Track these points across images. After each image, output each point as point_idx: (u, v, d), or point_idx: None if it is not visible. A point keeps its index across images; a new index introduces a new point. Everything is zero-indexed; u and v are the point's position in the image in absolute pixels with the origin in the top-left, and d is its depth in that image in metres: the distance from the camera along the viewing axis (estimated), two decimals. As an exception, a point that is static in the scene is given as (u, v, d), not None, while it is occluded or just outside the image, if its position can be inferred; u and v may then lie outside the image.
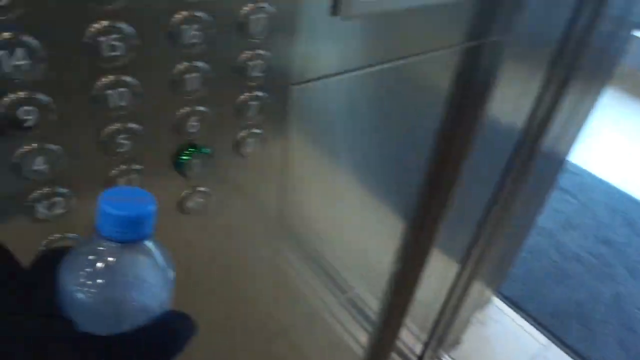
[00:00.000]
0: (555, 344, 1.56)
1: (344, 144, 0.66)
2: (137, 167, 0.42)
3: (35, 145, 0.35)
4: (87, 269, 0.25)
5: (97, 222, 0.25)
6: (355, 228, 0.81)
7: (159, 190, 0.45)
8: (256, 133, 0.49)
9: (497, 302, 1.67)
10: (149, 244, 0.27)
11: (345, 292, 0.89)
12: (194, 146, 0.45)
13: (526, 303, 1.67)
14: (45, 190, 0.38)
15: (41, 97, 0.34)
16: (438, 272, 1.09)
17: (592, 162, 2.48)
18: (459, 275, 1.21)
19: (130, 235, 0.25)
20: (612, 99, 3.14)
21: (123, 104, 0.38)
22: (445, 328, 1.37)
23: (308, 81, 0.52)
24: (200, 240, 0.53)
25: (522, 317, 1.63)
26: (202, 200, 0.49)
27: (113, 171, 0.41)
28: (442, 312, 1.29)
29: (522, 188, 1.13)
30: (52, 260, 0.27)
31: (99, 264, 0.25)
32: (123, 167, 0.41)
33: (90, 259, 0.25)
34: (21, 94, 0.33)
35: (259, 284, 0.66)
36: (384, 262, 0.95)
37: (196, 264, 0.55)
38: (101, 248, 0.25)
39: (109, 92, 0.37)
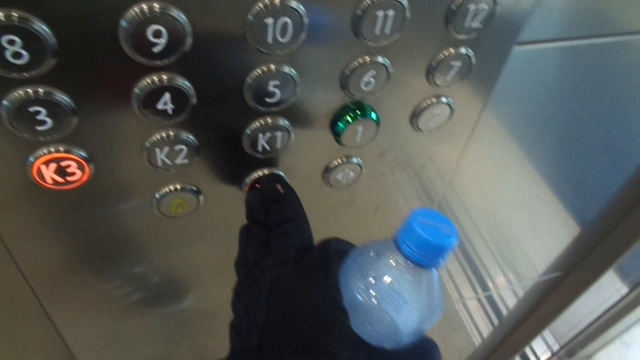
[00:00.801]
0: None
1: (539, 126, 0.49)
2: (285, 122, 0.32)
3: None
4: (373, 275, 0.26)
5: (398, 235, 0.25)
6: (518, 221, 0.66)
7: (305, 149, 0.35)
8: (445, 103, 0.36)
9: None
10: (435, 273, 0.26)
11: (487, 290, 0.76)
12: (362, 108, 0.33)
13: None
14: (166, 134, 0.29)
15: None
16: (602, 292, 0.90)
17: None
18: (622, 298, 1.00)
19: (427, 260, 0.25)
20: None
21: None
22: (582, 343, 1.18)
23: (535, 42, 0.36)
24: (341, 214, 0.43)
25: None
26: (352, 174, 0.38)
27: (254, 124, 0.31)
28: (586, 329, 1.10)
29: None
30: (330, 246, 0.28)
31: (387, 277, 0.26)
32: (268, 120, 0.31)
33: (380, 268, 0.26)
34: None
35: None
36: (539, 264, 0.79)
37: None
38: (394, 262, 0.26)
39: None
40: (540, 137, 0.50)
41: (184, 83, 0.27)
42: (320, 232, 0.41)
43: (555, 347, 1.12)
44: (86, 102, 0.26)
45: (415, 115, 0.36)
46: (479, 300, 0.80)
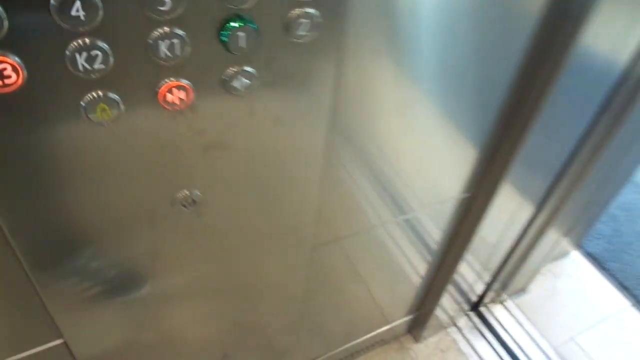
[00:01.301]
0: (637, 308, 1.44)
1: (415, 46, 0.60)
2: (180, 32, 0.41)
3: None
4: None
5: None
6: (421, 145, 0.77)
7: (203, 63, 0.44)
8: (310, 14, 0.46)
9: (577, 256, 1.55)
10: None
11: (405, 214, 0.86)
12: (240, 17, 0.43)
13: (609, 262, 1.54)
14: (82, 41, 0.38)
15: None
16: (509, 212, 1.02)
17: None
18: (532, 220, 1.13)
19: None
20: None
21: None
22: (510, 273, 1.31)
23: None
24: (245, 124, 0.52)
25: (603, 275, 1.51)
26: (247, 81, 0.47)
27: (155, 32, 0.40)
28: (508, 256, 1.22)
29: (615, 135, 1.00)
30: None
31: None
32: (166, 29, 0.40)
33: None
34: None
35: (305, 180, 0.64)
36: (451, 190, 0.90)
37: (241, 149, 0.54)
38: None
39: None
40: (421, 63, 0.61)
41: (89, -8, 0.35)
42: (228, 142, 0.50)
43: (486, 278, 1.24)
44: (15, 13, 0.34)
45: (288, 26, 0.45)
46: (402, 228, 0.90)
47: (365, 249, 0.89)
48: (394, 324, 1.21)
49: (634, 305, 1.45)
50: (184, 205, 0.56)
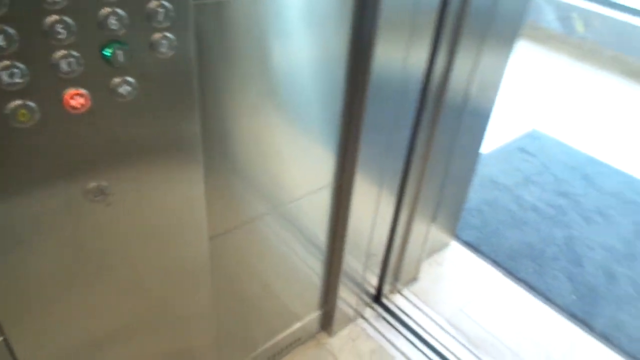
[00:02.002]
0: (509, 279, 1.71)
1: (262, 65, 0.84)
2: (75, 53, 0.60)
3: (-3, 26, 0.53)
4: None
5: None
6: (284, 144, 0.99)
7: (94, 76, 0.63)
8: (168, 37, 0.67)
9: (455, 245, 1.82)
10: None
11: (284, 204, 1.06)
12: (116, 40, 0.63)
13: (483, 246, 1.83)
14: (6, 63, 0.56)
15: (-1, -10, 0.52)
16: (373, 203, 1.25)
17: (552, 128, 2.64)
18: (397, 212, 1.37)
19: None
20: (564, 66, 3.29)
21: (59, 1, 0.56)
22: (397, 264, 1.53)
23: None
24: (133, 121, 0.71)
25: (479, 257, 1.78)
26: (130, 88, 0.67)
27: (56, 53, 0.59)
28: (389, 248, 1.45)
29: (441, 137, 1.30)
30: None
31: None
32: (64, 52, 0.59)
33: None
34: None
35: (190, 175, 0.83)
36: (318, 180, 1.12)
37: (127, 140, 0.72)
38: None
39: (46, -9, 0.55)
40: (265, 74, 0.84)
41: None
42: (122, 136, 0.68)
43: (377, 271, 1.45)
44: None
45: (153, 46, 0.66)
46: (282, 215, 1.10)
47: (260, 243, 1.07)
48: (305, 320, 1.37)
49: (504, 275, 1.72)
50: (94, 196, 0.72)
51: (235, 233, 1.00)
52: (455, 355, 1.44)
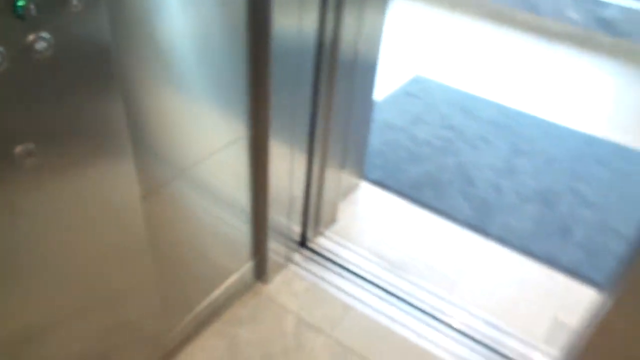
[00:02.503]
0: (415, 206, 1.90)
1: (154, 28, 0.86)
2: (-15, 9, 0.60)
3: None
4: None
5: None
6: (194, 108, 1.02)
7: (8, 33, 0.63)
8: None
9: (365, 185, 1.98)
10: None
11: (205, 159, 1.11)
12: (25, -5, 0.63)
13: (389, 182, 2.00)
14: None
15: None
16: (289, 159, 1.33)
17: (432, 72, 2.89)
18: (310, 163, 1.47)
19: None
20: (438, 17, 3.59)
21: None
22: (316, 210, 1.64)
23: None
24: (52, 81, 0.71)
25: (387, 192, 1.95)
26: (45, 44, 0.68)
27: (-33, 11, 0.59)
28: (307, 197, 1.55)
29: (339, 92, 1.41)
30: None
31: None
32: (-26, 9, 0.59)
33: None
34: None
35: (117, 141, 0.85)
36: (233, 131, 1.17)
37: (48, 100, 0.73)
38: None
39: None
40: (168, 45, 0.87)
41: None
42: (42, 96, 0.68)
43: (298, 218, 1.55)
44: None
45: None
46: (207, 168, 1.14)
47: (186, 203, 1.11)
48: (239, 273, 1.43)
49: (411, 203, 1.91)
50: (21, 159, 0.72)
51: (161, 193, 1.03)
52: (380, 278, 1.60)
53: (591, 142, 2.41)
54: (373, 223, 1.81)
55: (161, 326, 1.23)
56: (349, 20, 1.30)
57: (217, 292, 1.38)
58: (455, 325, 1.49)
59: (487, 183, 2.06)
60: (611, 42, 3.28)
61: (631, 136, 2.44)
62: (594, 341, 1.14)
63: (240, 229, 1.36)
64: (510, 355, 1.42)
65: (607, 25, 3.26)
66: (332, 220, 1.78)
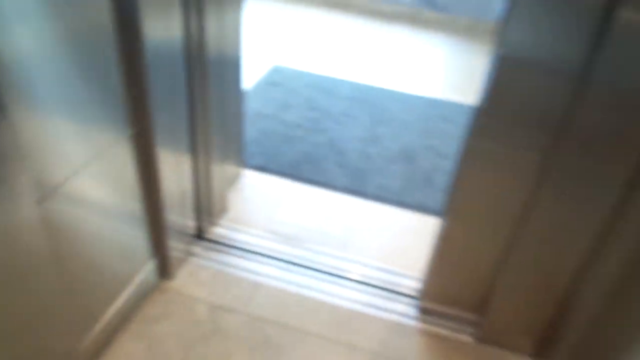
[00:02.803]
0: (298, 182, 2.03)
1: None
2: None
3: None
4: None
5: None
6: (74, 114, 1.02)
7: None
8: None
9: (249, 173, 2.06)
10: None
11: (93, 158, 1.10)
12: None
13: (270, 166, 2.10)
14: None
15: None
16: (175, 160, 1.37)
17: (289, 61, 3.05)
18: (195, 160, 1.51)
19: None
20: (292, 12, 3.78)
21: None
22: (207, 202, 1.68)
23: None
24: None
25: (270, 175, 2.06)
26: None
27: None
28: (197, 191, 1.59)
29: (212, 88, 1.47)
30: None
31: None
32: None
33: None
34: None
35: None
36: (117, 130, 1.18)
37: None
38: None
39: None
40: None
41: None
42: None
43: (192, 214, 1.58)
44: None
45: None
46: (98, 170, 1.14)
47: (81, 205, 1.10)
48: (143, 274, 1.43)
49: (293, 181, 2.04)
50: None
51: (59, 196, 1.01)
52: (280, 252, 1.70)
53: (435, 104, 2.75)
54: (262, 205, 1.90)
55: (71, 342, 1.20)
56: (211, 21, 1.37)
57: (123, 297, 1.37)
58: (354, 278, 1.65)
59: (357, 152, 2.27)
60: (437, 17, 3.74)
61: (463, 95, 2.84)
62: (441, 250, 1.40)
63: (136, 230, 1.36)
64: (406, 292, 1.62)
65: (432, 3, 3.70)
66: (224, 209, 1.83)
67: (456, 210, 1.32)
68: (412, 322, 1.53)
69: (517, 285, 1.36)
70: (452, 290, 1.49)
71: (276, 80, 2.80)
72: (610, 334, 1.16)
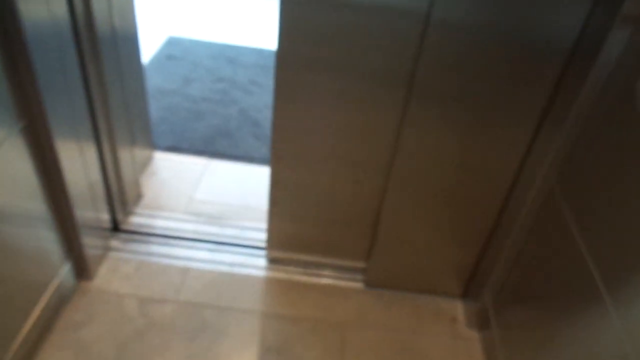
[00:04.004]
0: (214, 159, 1.96)
1: None
2: None
3: None
4: None
5: None
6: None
7: None
8: None
9: (158, 154, 1.94)
10: None
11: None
12: None
13: (181, 144, 2.00)
14: None
15: None
16: (77, 150, 1.24)
17: (185, 31, 2.88)
18: (100, 148, 1.39)
19: None
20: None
21: None
22: (119, 192, 1.57)
23: None
24: None
25: (183, 155, 1.96)
26: None
27: None
28: (107, 182, 1.47)
29: (108, 66, 1.34)
30: None
31: None
32: None
33: None
34: None
35: None
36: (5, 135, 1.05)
37: None
38: None
39: None
40: None
41: None
42: None
43: (104, 207, 1.47)
44: None
45: None
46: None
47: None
48: (58, 277, 1.32)
49: (209, 158, 1.96)
50: None
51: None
52: (202, 233, 1.64)
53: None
54: (179, 187, 1.81)
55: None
56: None
57: (40, 306, 1.25)
58: (284, 248, 1.64)
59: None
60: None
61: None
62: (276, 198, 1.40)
63: (44, 232, 1.24)
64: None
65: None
66: (139, 196, 1.72)
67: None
68: (346, 283, 1.56)
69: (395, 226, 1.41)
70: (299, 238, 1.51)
71: (173, 52, 2.63)
72: (530, 271, 1.26)
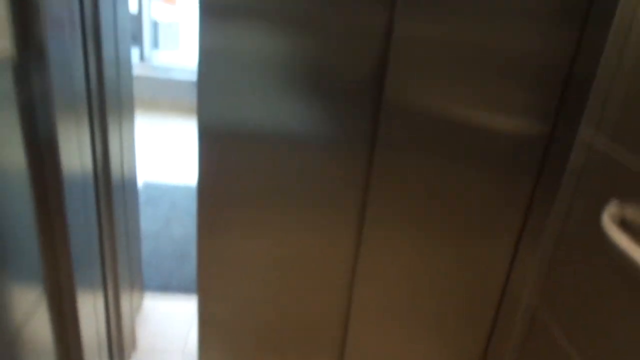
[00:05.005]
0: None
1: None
2: None
3: None
4: None
5: None
6: None
7: None
8: None
9: (150, 296, 2.00)
10: None
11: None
12: None
13: (170, 282, 2.07)
14: None
15: None
16: (92, 305, 1.31)
17: (157, 174, 3.06)
18: (106, 295, 1.45)
19: None
20: (152, 123, 3.83)
21: None
22: (118, 342, 1.59)
23: None
24: None
25: (172, 293, 2.02)
26: None
27: None
28: (109, 333, 1.50)
29: (117, 211, 1.47)
30: None
31: None
32: None
33: None
34: None
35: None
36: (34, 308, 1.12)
37: None
38: None
39: None
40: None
41: None
42: None
43: (107, 356, 1.49)
44: None
45: None
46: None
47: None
48: None
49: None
50: None
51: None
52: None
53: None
54: (172, 330, 1.85)
55: None
56: (114, 139, 1.39)
57: None
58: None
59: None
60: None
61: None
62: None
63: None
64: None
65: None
66: (134, 344, 1.75)
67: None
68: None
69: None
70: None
71: (151, 196, 2.78)
72: None
